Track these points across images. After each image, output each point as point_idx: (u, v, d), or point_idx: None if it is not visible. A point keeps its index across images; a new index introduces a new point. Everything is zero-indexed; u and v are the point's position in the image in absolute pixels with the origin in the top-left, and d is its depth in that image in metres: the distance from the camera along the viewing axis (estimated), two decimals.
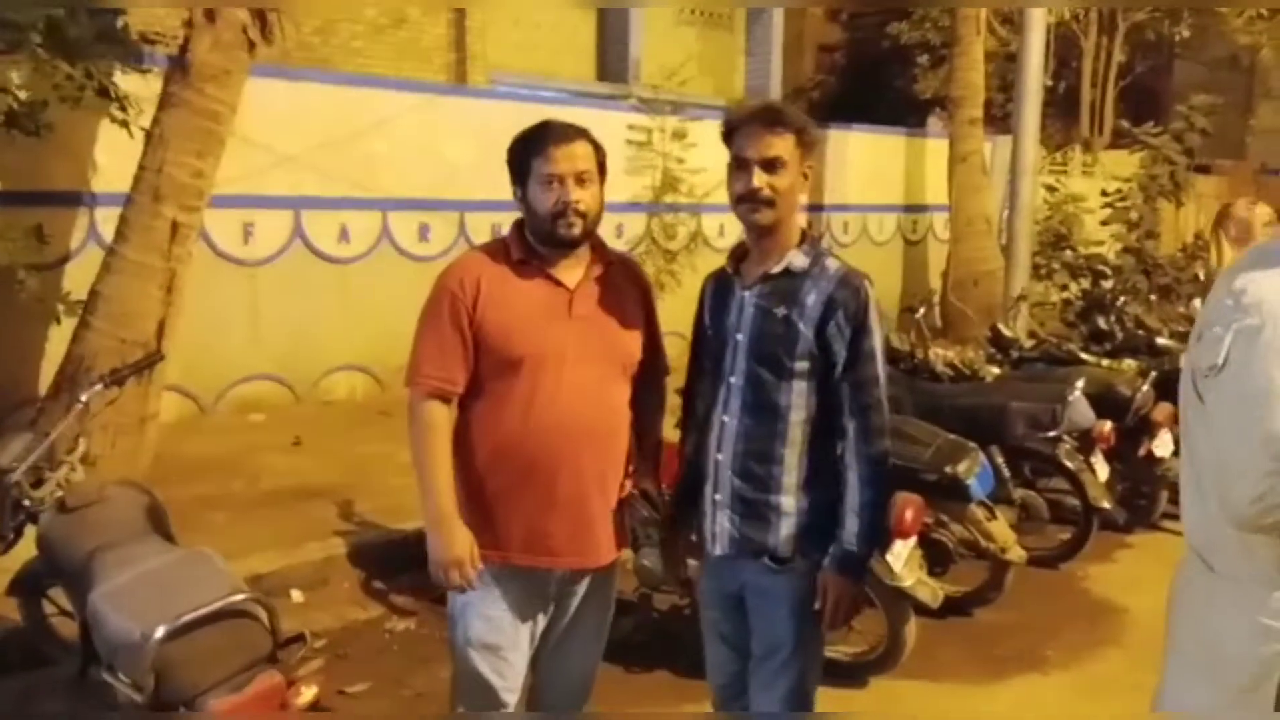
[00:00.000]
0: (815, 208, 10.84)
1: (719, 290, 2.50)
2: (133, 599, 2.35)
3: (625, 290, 2.53)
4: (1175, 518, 5.58)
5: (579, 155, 2.37)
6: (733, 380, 2.39)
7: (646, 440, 2.63)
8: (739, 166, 2.34)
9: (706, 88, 12.16)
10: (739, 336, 2.39)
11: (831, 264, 2.36)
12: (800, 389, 2.34)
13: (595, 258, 2.49)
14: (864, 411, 2.32)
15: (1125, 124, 11.29)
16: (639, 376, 2.54)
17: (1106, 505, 4.84)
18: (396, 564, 4.53)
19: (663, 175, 8.80)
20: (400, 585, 4.48)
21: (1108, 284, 10.52)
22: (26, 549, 3.10)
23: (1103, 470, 4.97)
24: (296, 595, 4.34)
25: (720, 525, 2.42)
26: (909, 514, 3.52)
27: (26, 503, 2.96)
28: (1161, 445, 5.27)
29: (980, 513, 4.12)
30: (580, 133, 2.41)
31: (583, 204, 2.36)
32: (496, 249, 2.47)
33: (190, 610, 2.27)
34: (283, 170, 7.04)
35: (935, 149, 11.51)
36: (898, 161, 11.75)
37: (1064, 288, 10.63)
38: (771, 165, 2.29)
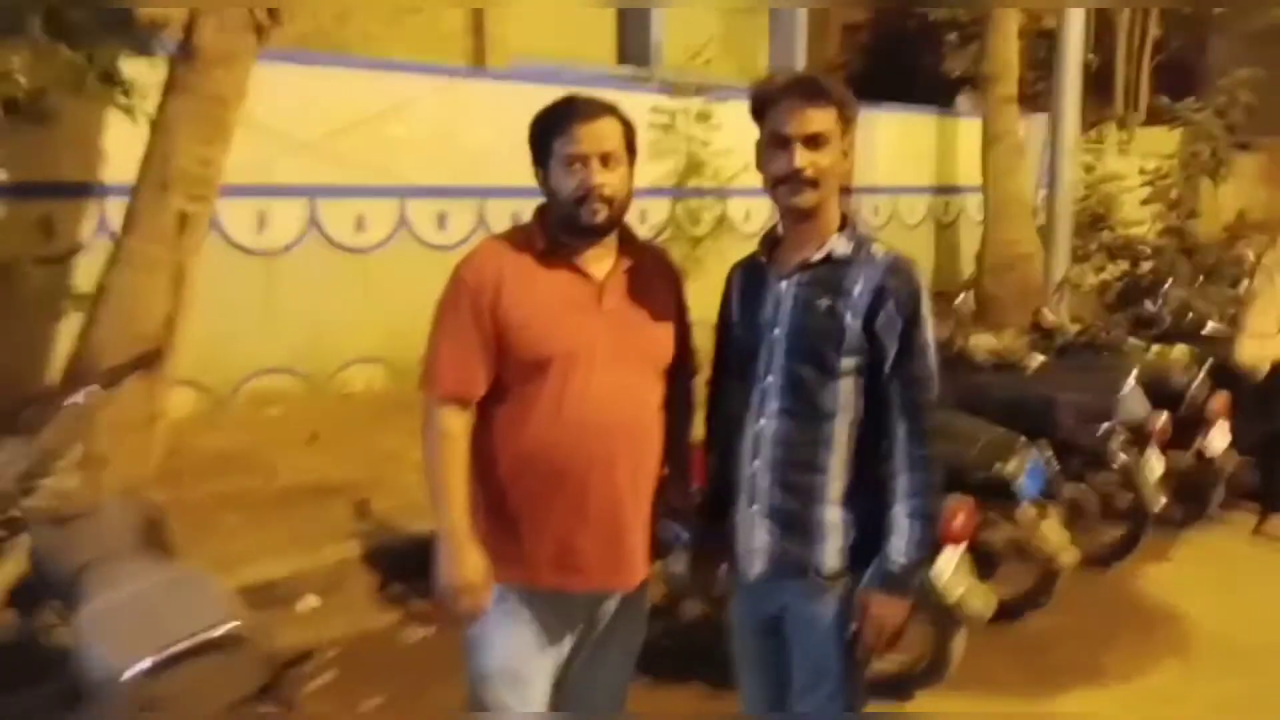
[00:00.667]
0: (844, 190, 10.55)
1: (750, 280, 2.28)
2: (116, 625, 2.17)
3: (656, 282, 2.33)
4: (1230, 510, 5.40)
5: (605, 134, 2.17)
6: (769, 380, 2.18)
7: (675, 452, 2.40)
8: (776, 144, 2.12)
9: (729, 69, 11.84)
10: (776, 331, 2.17)
11: (878, 250, 2.16)
12: (847, 388, 2.14)
13: (624, 247, 2.29)
14: (915, 411, 2.12)
15: (1165, 100, 10.89)
16: (668, 377, 2.33)
17: (1161, 503, 4.57)
18: (414, 567, 4.30)
19: (687, 159, 8.54)
20: (419, 590, 4.29)
21: (1148, 265, 10.21)
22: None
23: (1158, 466, 4.70)
24: (311, 600, 4.16)
25: (758, 542, 2.20)
26: (960, 518, 3.29)
27: (17, 512, 2.77)
28: (1217, 437, 5.00)
29: (1031, 512, 3.88)
30: (607, 109, 2.20)
31: (608, 188, 2.15)
32: (518, 238, 2.27)
33: (177, 641, 2.08)
34: (297, 158, 6.83)
35: (967, 129, 11.18)
36: (928, 142, 11.44)
37: (1101, 270, 10.30)
38: (814, 141, 2.08)
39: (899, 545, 2.11)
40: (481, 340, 2.17)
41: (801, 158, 2.07)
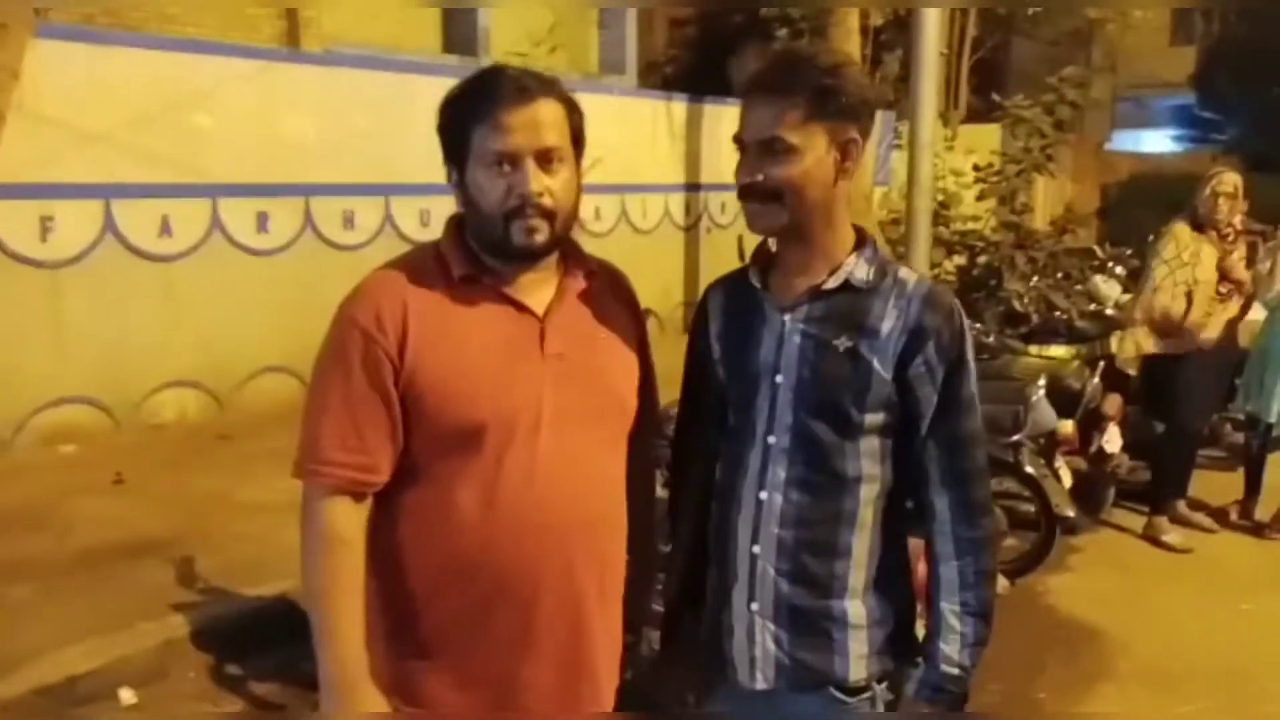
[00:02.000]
0: (693, 187, 10.24)
1: (737, 309, 1.76)
2: None
3: (613, 313, 1.77)
4: (1123, 511, 5.33)
5: (544, 122, 1.58)
6: (771, 440, 1.68)
7: (639, 538, 1.83)
8: (739, 150, 1.65)
9: (560, 62, 11.38)
10: (779, 379, 1.67)
11: (908, 276, 1.68)
12: (872, 450, 1.66)
13: (569, 268, 1.72)
14: (962, 481, 1.67)
15: (996, 97, 11.09)
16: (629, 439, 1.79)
17: (1071, 514, 4.37)
18: (254, 642, 3.62)
19: None
20: (261, 670, 3.57)
21: (983, 260, 10.34)
22: None
23: (1067, 476, 4.51)
24: (127, 696, 3.38)
25: (760, 649, 1.69)
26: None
27: None
28: (1111, 440, 4.87)
29: None
30: (546, 86, 1.61)
31: (549, 197, 1.58)
32: (425, 263, 1.66)
33: None
34: (88, 152, 5.88)
35: None
36: None
37: (937, 265, 10.36)
38: (769, 149, 1.59)
39: (951, 651, 1.65)
40: (385, 407, 1.57)
41: (749, 169, 1.61)
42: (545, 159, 1.58)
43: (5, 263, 5.61)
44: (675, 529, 1.89)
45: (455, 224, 1.69)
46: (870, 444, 1.65)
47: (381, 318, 1.56)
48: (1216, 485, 5.55)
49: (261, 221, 6.68)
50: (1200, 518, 5.18)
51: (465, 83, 1.63)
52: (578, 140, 1.66)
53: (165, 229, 6.24)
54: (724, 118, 10.48)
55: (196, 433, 6.20)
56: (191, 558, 4.18)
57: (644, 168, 9.69)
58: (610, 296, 1.78)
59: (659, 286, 9.68)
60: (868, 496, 1.66)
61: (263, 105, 6.71)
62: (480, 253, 1.64)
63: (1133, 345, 5.04)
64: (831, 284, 1.65)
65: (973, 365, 1.67)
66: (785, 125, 1.57)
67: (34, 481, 5.21)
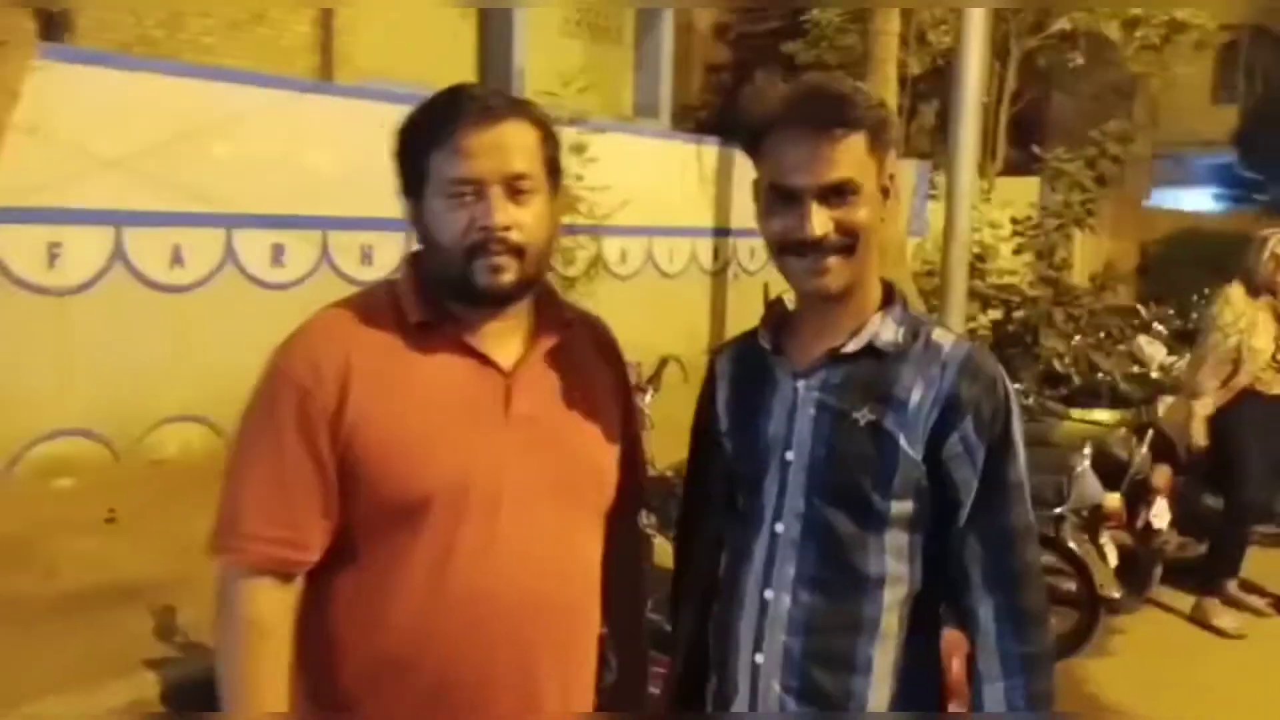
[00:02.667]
0: (722, 232, 10.03)
1: (747, 375, 1.53)
2: None
3: (593, 371, 1.54)
4: (1168, 589, 4.99)
5: (512, 146, 1.38)
6: (779, 529, 1.44)
7: (623, 629, 1.62)
8: (779, 197, 1.39)
9: (594, 103, 11.30)
10: (790, 456, 1.44)
11: (943, 338, 1.44)
12: (899, 546, 1.42)
13: (542, 317, 1.49)
14: (1010, 585, 1.41)
15: (1036, 149, 10.85)
16: (610, 517, 1.54)
17: (1117, 595, 4.06)
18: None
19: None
20: None
21: (1019, 315, 10.04)
22: None
23: (1113, 553, 4.19)
24: None
25: None
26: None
27: None
28: (1159, 515, 4.54)
29: None
30: (514, 106, 1.41)
31: (518, 231, 1.37)
32: (376, 305, 1.44)
33: None
34: (101, 178, 5.74)
35: None
36: None
37: (973, 319, 10.08)
38: (838, 193, 1.36)
39: None
40: (317, 473, 1.35)
41: (819, 220, 1.36)
42: (514, 188, 1.37)
43: (10, 289, 5.47)
44: (675, 624, 1.63)
45: (413, 262, 1.46)
46: (896, 538, 1.41)
47: (319, 369, 1.35)
48: (1270, 564, 5.19)
49: (277, 254, 6.51)
50: (1254, 600, 4.83)
51: (423, 104, 1.41)
52: (553, 169, 1.44)
53: (177, 259, 6.09)
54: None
55: (198, 469, 5.96)
56: (173, 608, 3.94)
57: (673, 211, 9.50)
58: (591, 352, 1.55)
59: (684, 332, 9.44)
60: (892, 601, 1.41)
61: (286, 136, 6.58)
62: (441, 297, 1.41)
63: (1184, 414, 4.72)
64: (853, 346, 1.42)
65: (1021, 445, 1.42)
66: (852, 164, 1.36)
67: (24, 516, 5.00)
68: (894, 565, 1.41)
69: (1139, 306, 8.57)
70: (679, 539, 1.68)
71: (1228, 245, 15.05)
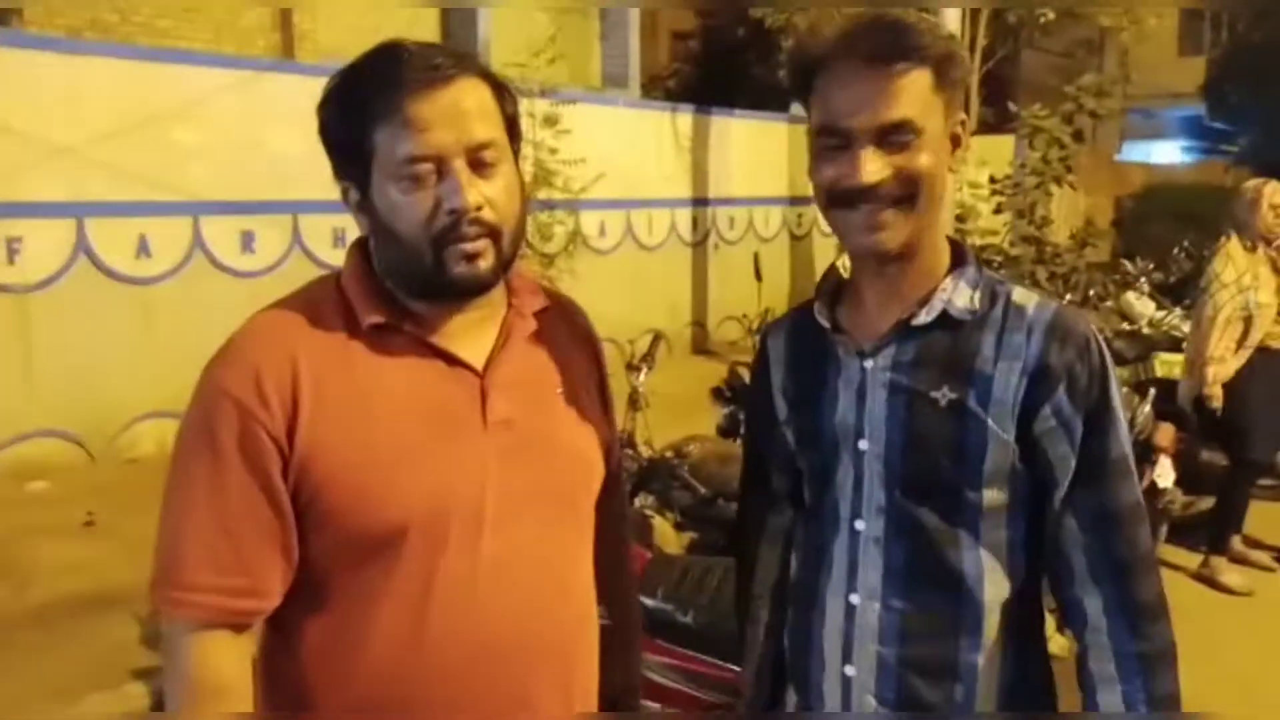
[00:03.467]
0: (700, 201, 9.88)
1: (803, 356, 1.38)
2: None
3: (571, 359, 1.37)
4: (1171, 548, 4.94)
5: (470, 110, 1.17)
6: (860, 527, 1.30)
7: (613, 616, 1.47)
8: (830, 141, 1.22)
9: (561, 74, 11.09)
10: (863, 445, 1.29)
11: (1025, 299, 1.28)
12: (995, 539, 1.28)
13: (516, 304, 1.31)
14: (1121, 573, 1.25)
15: (1013, 107, 10.74)
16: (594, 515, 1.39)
17: None
18: None
19: (535, 167, 7.61)
20: None
21: (1002, 274, 9.98)
22: None
23: None
24: None
25: None
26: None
27: None
28: (1164, 474, 4.46)
29: None
30: (462, 64, 1.18)
31: (490, 209, 1.18)
32: (321, 305, 1.23)
33: None
34: (59, 167, 5.53)
35: None
36: (780, 150, 10.90)
37: None
38: (897, 135, 1.19)
39: None
40: (268, 505, 1.15)
41: (874, 164, 1.19)
42: (479, 160, 1.17)
43: None
44: (743, 635, 1.49)
45: (359, 253, 1.26)
46: (991, 530, 1.27)
47: (262, 384, 1.14)
48: (1272, 518, 5.14)
49: (246, 241, 6.32)
50: (1260, 556, 4.78)
51: (354, 67, 1.19)
52: (513, 133, 1.25)
53: (143, 249, 5.88)
54: (731, 130, 10.16)
55: None
56: (159, 613, 3.79)
57: (649, 182, 9.34)
58: (566, 336, 1.38)
59: (666, 305, 9.32)
60: (993, 600, 1.27)
61: (249, 118, 6.37)
62: (399, 292, 1.23)
63: (1196, 379, 4.61)
64: (925, 317, 1.26)
65: (1121, 414, 1.26)
66: (913, 103, 1.19)
67: None
68: (991, 560, 1.27)
69: (1124, 262, 8.48)
70: (739, 538, 1.53)
71: (1200, 197, 15.09)
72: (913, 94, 1.19)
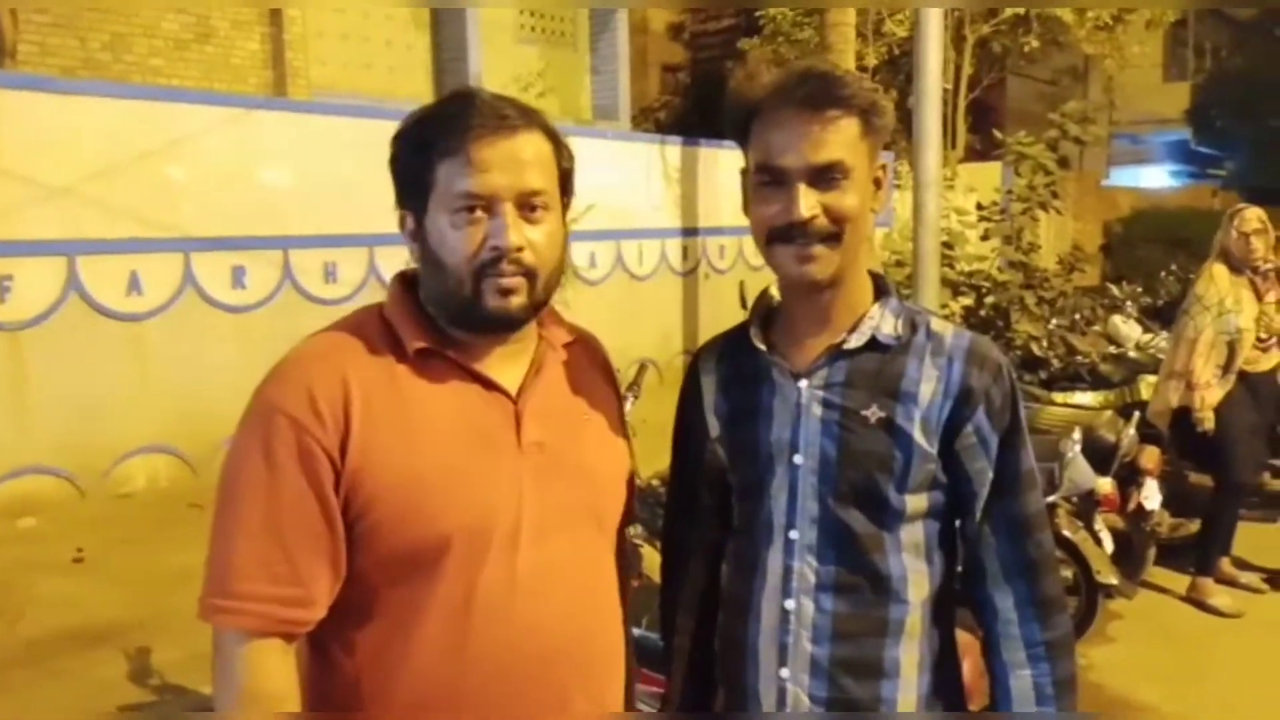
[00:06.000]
0: (690, 231, 9.94)
1: (738, 378, 1.47)
2: None
3: (594, 388, 1.45)
4: (1160, 570, 4.95)
5: (528, 160, 1.27)
6: (794, 536, 1.39)
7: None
8: (769, 180, 1.33)
9: (552, 107, 11.19)
10: (798, 460, 1.38)
11: (942, 328, 1.42)
12: (916, 542, 1.39)
13: (546, 336, 1.40)
14: (1029, 572, 1.40)
15: (998, 134, 10.85)
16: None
17: (1114, 581, 3.98)
18: None
19: None
20: None
21: (990, 300, 10.03)
22: None
23: (1108, 540, 4.13)
24: None
25: None
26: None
27: None
28: (1150, 497, 4.49)
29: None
30: (529, 117, 1.30)
31: (530, 252, 1.26)
32: (367, 332, 1.31)
33: None
34: (51, 206, 5.57)
35: None
36: None
37: (944, 306, 10.06)
38: (827, 175, 1.30)
39: None
40: (321, 519, 1.21)
41: (807, 201, 1.30)
42: (528, 205, 1.26)
43: None
44: (668, 637, 1.58)
45: (405, 284, 1.35)
46: (914, 534, 1.38)
47: (317, 402, 1.21)
48: (1258, 539, 5.16)
49: (237, 276, 6.35)
50: (1249, 577, 4.79)
51: (429, 109, 1.30)
52: (565, 186, 1.34)
53: (134, 286, 5.91)
54: (720, 161, 10.25)
55: (167, 502, 5.82)
56: (148, 649, 3.79)
57: (640, 213, 9.41)
58: (589, 368, 1.47)
59: (658, 334, 9.36)
60: (915, 599, 1.38)
61: (240, 154, 6.42)
62: (441, 320, 1.31)
63: (1175, 398, 4.64)
64: (855, 342, 1.37)
65: (1027, 431, 1.40)
66: (844, 146, 1.31)
67: None
68: (914, 562, 1.38)
69: (1111, 286, 8.56)
70: (666, 549, 1.62)
71: (1186, 221, 15.20)
72: (842, 138, 1.31)
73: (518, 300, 1.26)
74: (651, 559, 3.51)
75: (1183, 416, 4.61)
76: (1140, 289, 9.22)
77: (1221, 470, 4.59)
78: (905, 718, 1.37)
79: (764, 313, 1.46)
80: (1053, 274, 10.40)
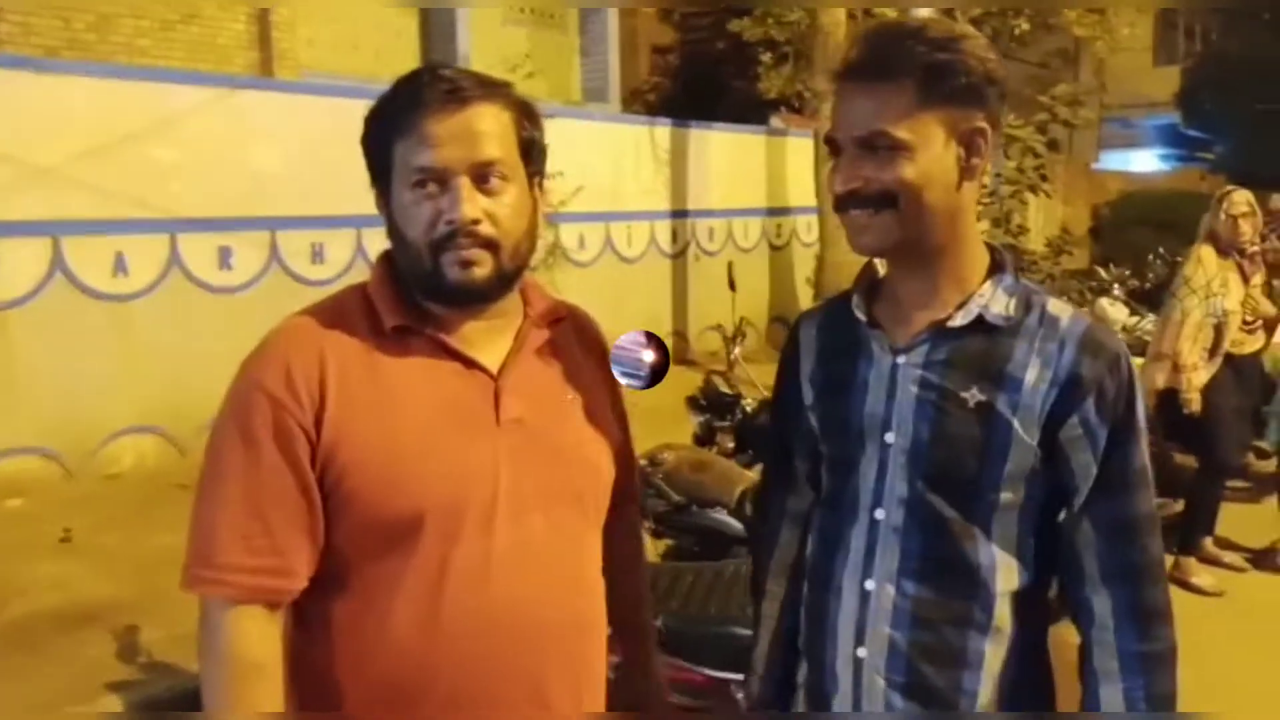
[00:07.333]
0: (680, 214, 9.93)
1: (836, 347, 1.43)
2: None
3: (581, 367, 1.45)
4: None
5: (482, 131, 1.27)
6: (880, 516, 1.35)
7: (629, 623, 1.55)
8: (830, 152, 1.32)
9: (540, 89, 11.14)
10: (889, 437, 1.34)
11: (1060, 311, 1.32)
12: (1009, 535, 1.32)
13: (531, 313, 1.39)
14: (1131, 578, 1.30)
15: None
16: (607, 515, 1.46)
17: None
18: None
19: None
20: None
21: None
22: None
23: None
24: None
25: None
26: None
27: None
28: None
29: None
30: (486, 88, 1.29)
31: (489, 224, 1.26)
32: (347, 310, 1.33)
33: None
34: (35, 187, 5.53)
35: (796, 147, 10.82)
36: (759, 162, 10.98)
37: None
38: (872, 146, 1.26)
39: None
40: (298, 491, 1.23)
41: (848, 173, 1.28)
42: (483, 177, 1.26)
43: None
44: (757, 611, 1.56)
45: (385, 262, 1.36)
46: (1006, 526, 1.31)
47: (293, 379, 1.23)
48: (1241, 519, 5.20)
49: (224, 257, 6.32)
50: (1232, 557, 4.83)
51: (391, 88, 1.30)
52: (530, 153, 1.32)
53: (120, 267, 5.88)
54: (709, 143, 10.24)
55: (155, 481, 5.79)
56: (136, 627, 3.80)
57: (629, 195, 9.39)
58: (577, 345, 1.46)
59: (647, 316, 9.35)
60: (1003, 592, 1.32)
61: (226, 135, 6.37)
62: (416, 296, 1.31)
63: (1161, 380, 4.64)
64: (960, 320, 1.31)
65: (1144, 428, 1.31)
66: (889, 116, 1.24)
67: None
68: (1004, 555, 1.31)
69: (1098, 269, 8.59)
70: (758, 517, 1.60)
71: (1176, 204, 15.24)
72: (890, 108, 1.24)
73: (481, 271, 1.27)
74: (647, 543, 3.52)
75: (1169, 398, 4.62)
76: (1128, 272, 9.25)
77: (1206, 451, 4.62)
78: (973, 718, 1.33)
79: (869, 284, 1.41)
80: (1041, 257, 10.48)
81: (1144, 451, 1.31)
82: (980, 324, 1.30)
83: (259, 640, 1.22)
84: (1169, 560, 4.61)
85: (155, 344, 5.93)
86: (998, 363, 1.29)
